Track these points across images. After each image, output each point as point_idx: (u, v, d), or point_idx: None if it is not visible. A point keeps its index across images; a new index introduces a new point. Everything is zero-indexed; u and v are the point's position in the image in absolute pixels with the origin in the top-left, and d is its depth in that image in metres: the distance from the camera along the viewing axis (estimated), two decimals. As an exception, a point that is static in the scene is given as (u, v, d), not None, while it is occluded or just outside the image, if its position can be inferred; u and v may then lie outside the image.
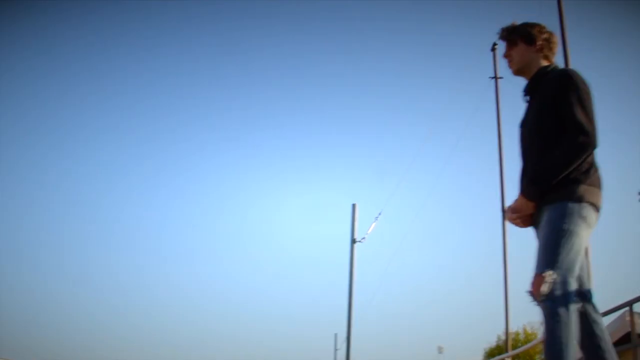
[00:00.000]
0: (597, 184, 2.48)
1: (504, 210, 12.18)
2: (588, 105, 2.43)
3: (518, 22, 2.72)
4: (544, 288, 2.26)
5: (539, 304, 2.29)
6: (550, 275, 2.27)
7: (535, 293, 2.30)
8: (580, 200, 2.40)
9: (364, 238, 12.06)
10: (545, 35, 2.67)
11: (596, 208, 2.46)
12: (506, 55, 2.72)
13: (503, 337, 26.09)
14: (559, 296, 2.26)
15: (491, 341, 27.97)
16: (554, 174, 2.40)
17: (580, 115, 2.39)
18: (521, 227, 2.59)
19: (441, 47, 33.37)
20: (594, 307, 2.47)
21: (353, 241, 12.11)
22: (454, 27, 29.96)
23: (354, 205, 12.47)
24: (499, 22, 2.76)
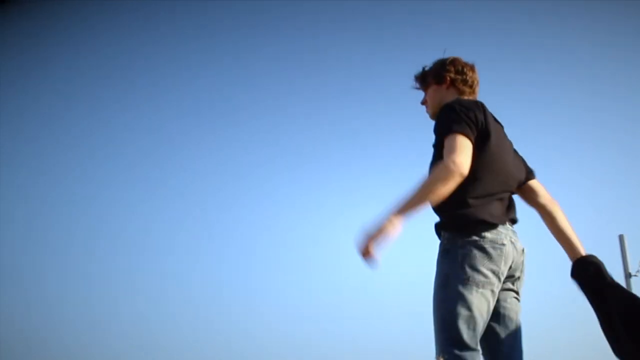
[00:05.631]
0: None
1: None
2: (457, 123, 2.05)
3: (428, 65, 2.44)
4: None
5: None
6: None
7: None
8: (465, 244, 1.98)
9: (638, 271, 10.15)
10: (456, 68, 2.34)
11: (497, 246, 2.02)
12: (423, 103, 2.41)
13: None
14: None
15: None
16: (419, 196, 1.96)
17: (447, 145, 2.04)
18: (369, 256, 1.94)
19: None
20: None
21: (628, 276, 10.54)
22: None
23: (621, 237, 10.80)
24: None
